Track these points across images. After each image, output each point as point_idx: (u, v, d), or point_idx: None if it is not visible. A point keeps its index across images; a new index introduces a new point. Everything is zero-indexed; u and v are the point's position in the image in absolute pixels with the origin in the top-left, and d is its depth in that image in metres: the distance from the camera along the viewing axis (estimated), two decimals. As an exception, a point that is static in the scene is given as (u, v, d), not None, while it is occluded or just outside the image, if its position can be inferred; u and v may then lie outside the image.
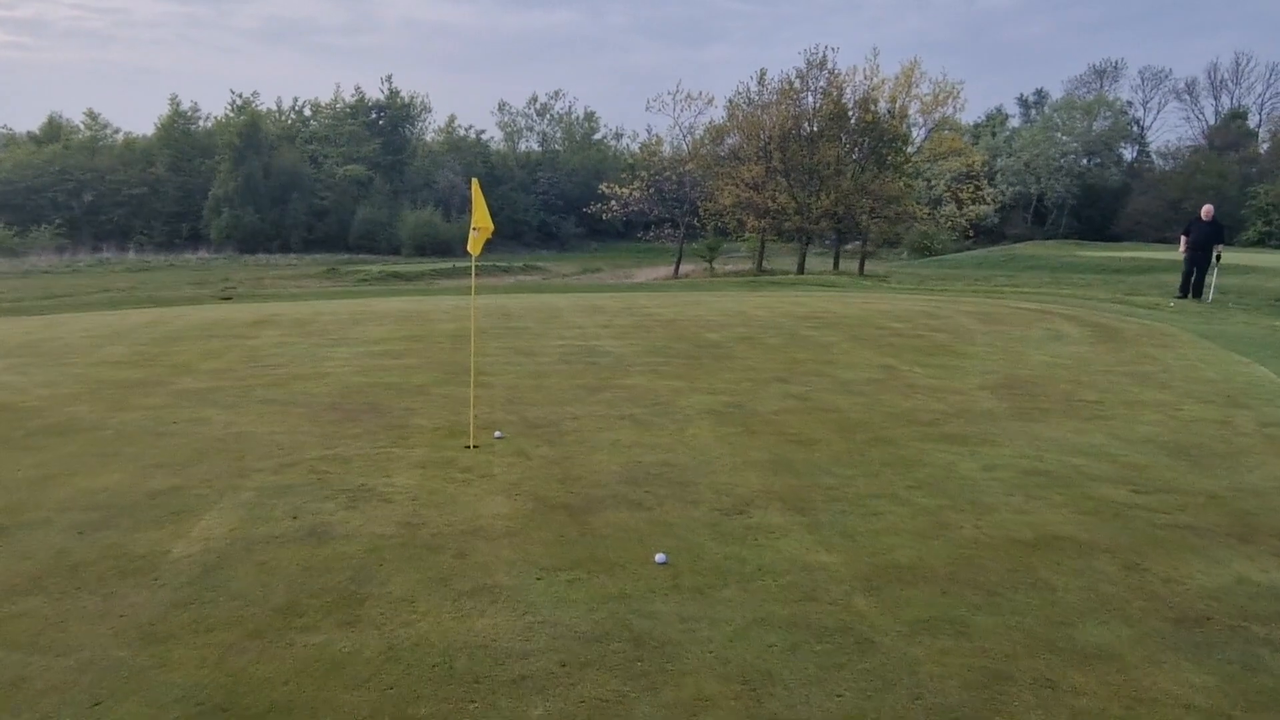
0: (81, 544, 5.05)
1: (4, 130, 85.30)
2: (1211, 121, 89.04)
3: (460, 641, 3.99)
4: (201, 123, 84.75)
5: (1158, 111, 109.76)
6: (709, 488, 6.24)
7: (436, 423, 8.10)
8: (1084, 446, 7.44)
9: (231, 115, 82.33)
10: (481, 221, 6.97)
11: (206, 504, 5.77)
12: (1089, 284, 26.55)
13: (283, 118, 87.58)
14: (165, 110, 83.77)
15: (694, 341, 13.17)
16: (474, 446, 7.24)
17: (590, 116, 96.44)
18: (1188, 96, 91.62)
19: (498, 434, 7.60)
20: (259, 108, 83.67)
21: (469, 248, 7.14)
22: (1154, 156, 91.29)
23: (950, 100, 42.47)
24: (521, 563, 4.85)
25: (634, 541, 5.18)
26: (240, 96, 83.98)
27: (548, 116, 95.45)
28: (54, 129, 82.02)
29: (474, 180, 7.12)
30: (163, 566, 4.74)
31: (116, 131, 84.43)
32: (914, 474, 6.61)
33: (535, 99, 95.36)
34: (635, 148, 76.37)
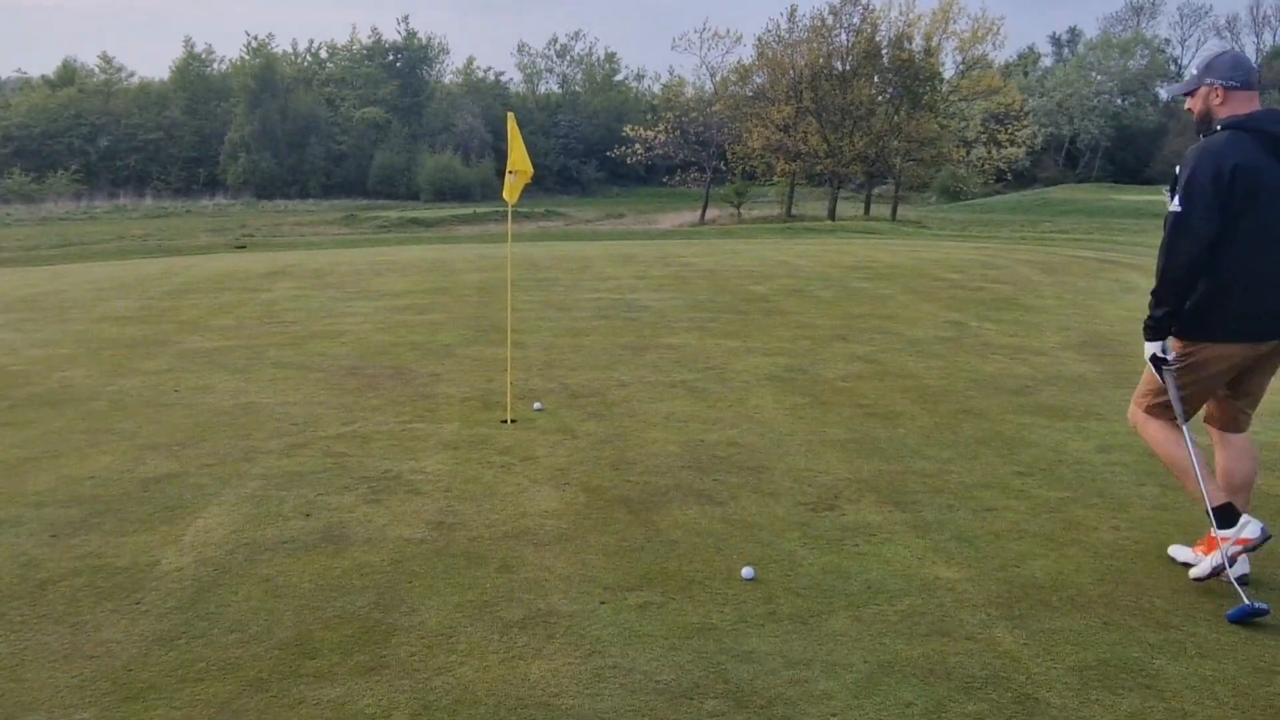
0: (54, 552, 4.24)
1: (18, 74, 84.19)
2: (1254, 59, 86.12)
3: (513, 697, 3.15)
4: (216, 66, 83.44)
5: (1196, 49, 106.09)
6: (787, 474, 5.37)
7: (467, 391, 7.25)
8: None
9: (247, 58, 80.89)
10: (520, 164, 6.03)
11: (205, 496, 4.95)
12: (1142, 230, 25.31)
13: (299, 60, 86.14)
14: (179, 54, 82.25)
15: (739, 295, 12.23)
16: (511, 421, 6.39)
17: (611, 58, 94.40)
18: (1229, 33, 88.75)
19: (537, 405, 6.74)
20: (274, 50, 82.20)
21: (505, 194, 6.21)
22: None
23: (990, 37, 40.80)
24: (580, 579, 4.01)
25: (711, 549, 4.32)
26: (255, 39, 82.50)
27: (568, 58, 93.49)
28: (68, 73, 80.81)
29: (510, 115, 6.16)
30: (147, 585, 3.92)
31: (131, 75, 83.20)
32: (1019, 457, 5.72)
33: (555, 40, 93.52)
34: (657, 89, 74.72)
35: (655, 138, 47.89)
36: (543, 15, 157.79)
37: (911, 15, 41.08)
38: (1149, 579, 4.05)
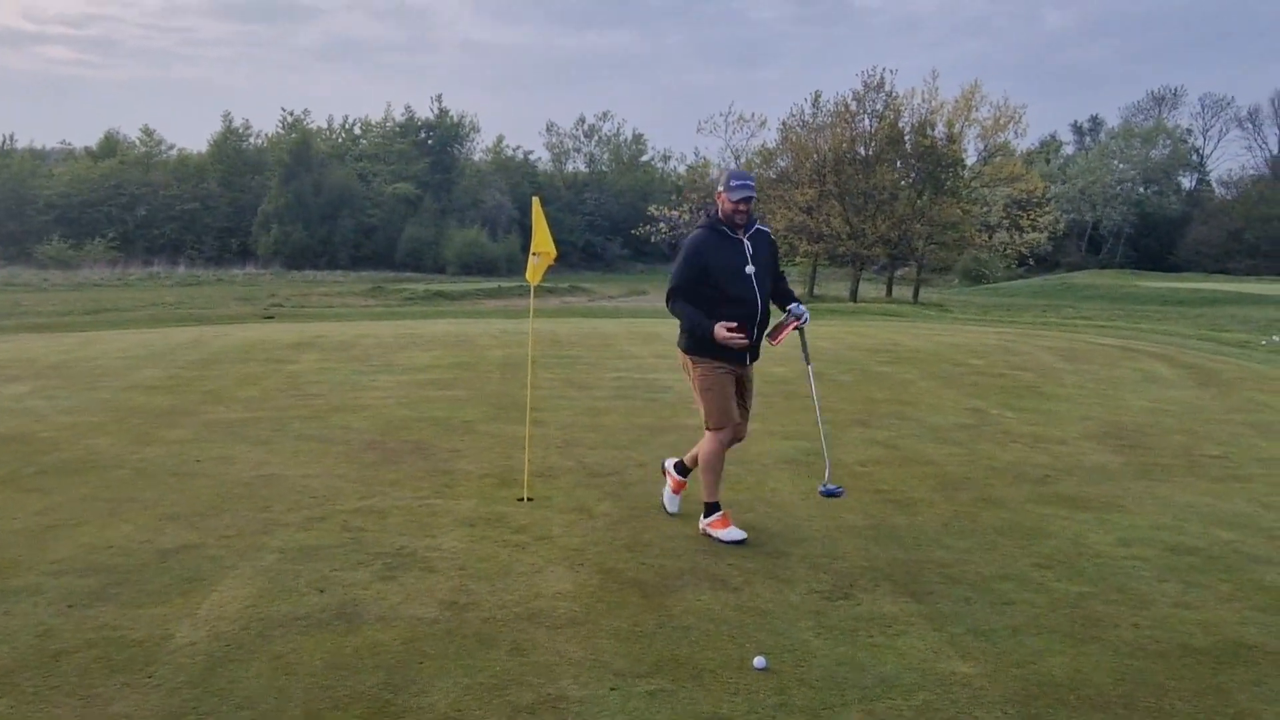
0: (70, 623, 4.26)
1: (63, 145, 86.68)
2: (1275, 150, 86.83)
3: (520, 785, 3.12)
4: (253, 140, 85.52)
5: (1219, 140, 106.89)
6: (802, 560, 5.35)
7: (485, 468, 7.28)
8: (1229, 516, 6.44)
9: (282, 133, 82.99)
10: (542, 246, 6.15)
11: (222, 569, 4.98)
12: (1166, 318, 25.26)
13: (333, 135, 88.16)
14: (218, 127, 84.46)
15: (758, 377, 12.23)
16: (528, 500, 6.41)
17: (638, 138, 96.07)
18: (1250, 125, 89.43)
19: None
20: (309, 125, 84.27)
21: (528, 275, 6.32)
22: (1214, 185, 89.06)
23: (1011, 124, 41.28)
24: (591, 664, 3.99)
25: (724, 636, 4.30)
26: (290, 114, 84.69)
27: (595, 138, 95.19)
28: (111, 144, 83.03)
29: (535, 199, 6.31)
30: (160, 658, 3.93)
31: (171, 147, 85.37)
32: (1038, 548, 5.67)
33: (583, 120, 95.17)
34: (683, 170, 75.92)
35: (680, 217, 48.54)
36: (572, 95, 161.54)
37: (934, 103, 41.68)
38: (1170, 680, 3.98)
